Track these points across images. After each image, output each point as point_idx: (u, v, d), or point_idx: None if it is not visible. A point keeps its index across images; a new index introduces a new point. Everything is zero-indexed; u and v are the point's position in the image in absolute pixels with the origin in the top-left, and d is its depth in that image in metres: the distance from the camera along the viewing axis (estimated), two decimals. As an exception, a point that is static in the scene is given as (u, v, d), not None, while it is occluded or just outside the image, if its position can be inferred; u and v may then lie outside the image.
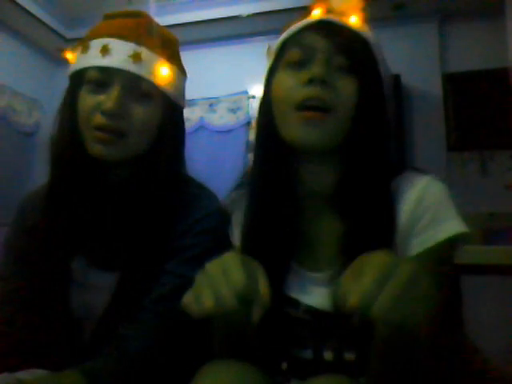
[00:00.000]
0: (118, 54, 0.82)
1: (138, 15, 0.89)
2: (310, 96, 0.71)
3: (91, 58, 0.83)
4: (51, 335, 0.87)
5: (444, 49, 3.04)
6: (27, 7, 3.00)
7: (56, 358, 0.84)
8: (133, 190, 0.86)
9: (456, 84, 2.98)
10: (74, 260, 0.89)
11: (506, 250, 1.41)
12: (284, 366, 0.78)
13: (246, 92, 3.28)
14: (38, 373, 0.80)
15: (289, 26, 0.80)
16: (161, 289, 0.82)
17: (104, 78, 0.82)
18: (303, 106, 0.71)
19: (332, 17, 0.76)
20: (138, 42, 0.84)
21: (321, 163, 0.77)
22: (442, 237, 0.69)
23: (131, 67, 0.82)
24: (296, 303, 0.76)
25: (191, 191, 0.90)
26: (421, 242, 0.70)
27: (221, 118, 3.34)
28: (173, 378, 0.80)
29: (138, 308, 0.82)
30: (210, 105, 3.35)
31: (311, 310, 0.75)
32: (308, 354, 0.77)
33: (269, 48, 0.82)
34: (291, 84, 0.73)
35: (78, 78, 0.85)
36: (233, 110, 3.31)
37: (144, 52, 0.83)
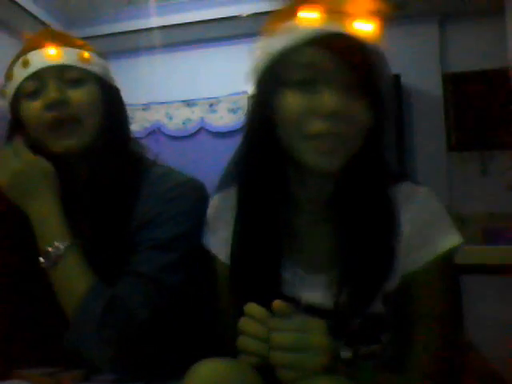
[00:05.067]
0: (37, 58, 0.91)
1: (41, 31, 1.02)
2: (322, 132, 0.68)
3: (17, 77, 0.91)
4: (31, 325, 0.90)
5: (444, 49, 3.04)
6: (27, 7, 3.00)
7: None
8: (96, 177, 0.91)
9: (456, 84, 2.98)
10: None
11: (506, 250, 1.41)
12: None
13: (246, 92, 3.28)
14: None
15: (284, 24, 0.70)
16: (135, 256, 0.86)
17: (37, 83, 0.90)
18: (315, 139, 0.69)
19: (335, 23, 0.67)
20: (51, 44, 0.92)
21: (321, 175, 0.75)
22: (444, 247, 0.73)
23: (52, 61, 0.90)
24: (296, 302, 0.76)
25: (160, 170, 0.95)
26: (425, 254, 0.74)
27: (221, 119, 3.34)
28: (168, 350, 0.83)
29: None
30: (210, 105, 3.35)
31: (311, 308, 0.76)
32: None
33: (257, 52, 0.75)
34: (300, 111, 0.68)
35: (15, 102, 0.92)
36: (233, 111, 3.31)
37: (59, 48, 0.92)
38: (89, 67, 0.94)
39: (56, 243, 0.82)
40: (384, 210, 0.74)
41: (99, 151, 0.92)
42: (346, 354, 0.75)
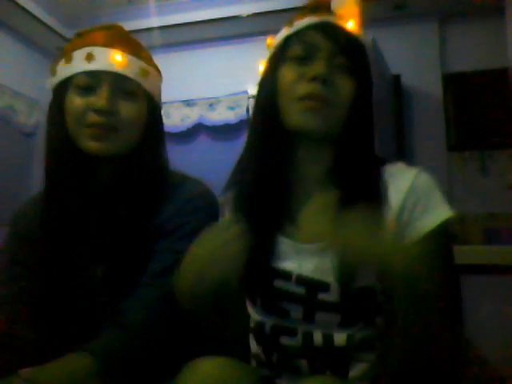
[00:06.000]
0: (103, 58, 0.90)
1: (112, 27, 0.98)
2: (312, 92, 0.78)
3: (76, 65, 0.90)
4: (51, 331, 0.90)
5: (444, 49, 3.04)
6: (27, 7, 3.00)
7: (56, 352, 0.85)
8: (121, 184, 0.91)
9: (456, 84, 2.98)
10: (71, 258, 0.92)
11: (506, 250, 1.42)
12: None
13: (246, 92, 3.28)
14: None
15: (291, 21, 0.86)
16: (156, 265, 0.86)
17: (92, 81, 0.89)
18: (305, 100, 0.78)
19: (333, 19, 0.82)
20: (119, 48, 0.92)
21: (317, 149, 0.84)
22: (435, 222, 0.76)
23: (114, 68, 0.90)
24: (287, 274, 0.78)
25: (177, 178, 0.96)
26: (417, 229, 0.76)
27: (219, 115, 3.33)
28: (173, 352, 0.82)
29: (126, 296, 0.84)
30: (210, 105, 3.35)
31: (303, 279, 0.77)
32: (297, 340, 0.78)
33: (271, 40, 0.88)
34: (295, 78, 0.80)
35: (64, 86, 0.92)
36: (232, 109, 3.31)
37: (125, 56, 0.91)
38: (145, 83, 0.94)
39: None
40: (373, 182, 0.80)
41: (128, 160, 0.92)
42: (339, 340, 0.75)
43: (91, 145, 0.88)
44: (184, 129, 3.35)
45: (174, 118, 3.33)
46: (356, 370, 0.76)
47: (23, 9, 2.98)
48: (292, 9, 2.83)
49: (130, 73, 0.91)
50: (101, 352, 0.77)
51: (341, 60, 0.80)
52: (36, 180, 3.25)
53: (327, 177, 0.83)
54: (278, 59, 0.84)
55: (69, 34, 3.33)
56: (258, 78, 0.89)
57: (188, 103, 3.36)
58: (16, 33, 3.23)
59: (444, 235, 0.78)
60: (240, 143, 0.91)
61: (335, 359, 0.76)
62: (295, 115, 0.79)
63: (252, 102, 3.27)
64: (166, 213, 0.89)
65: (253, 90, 3.27)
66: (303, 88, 0.78)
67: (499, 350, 1.52)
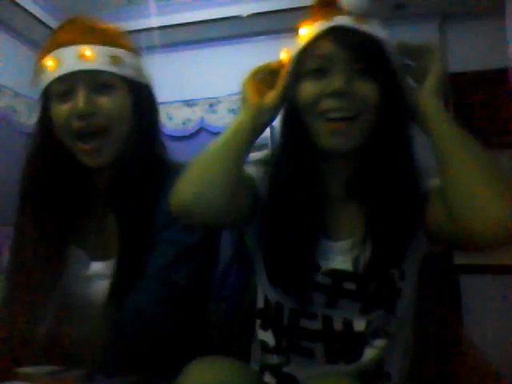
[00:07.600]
0: (68, 59, 0.87)
1: (74, 20, 0.98)
2: (333, 107, 0.76)
3: (49, 73, 0.88)
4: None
5: (444, 49, 3.04)
6: (27, 7, 3.00)
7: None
8: (121, 181, 0.90)
9: (456, 84, 2.98)
10: (69, 255, 0.93)
11: (506, 250, 1.41)
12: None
13: (246, 92, 3.28)
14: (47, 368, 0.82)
15: (304, 33, 0.82)
16: (160, 258, 0.86)
17: (67, 85, 0.87)
18: (327, 117, 0.77)
19: (344, 19, 0.79)
20: (81, 42, 0.88)
21: (344, 157, 0.83)
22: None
23: (83, 66, 0.86)
24: (316, 266, 0.80)
25: (176, 168, 0.94)
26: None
27: (221, 119, 3.34)
28: (175, 352, 0.81)
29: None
30: (210, 105, 3.35)
31: (331, 272, 0.79)
32: (317, 324, 0.79)
33: (285, 53, 0.84)
34: (314, 93, 0.78)
35: (46, 94, 0.91)
36: (233, 111, 3.31)
37: (89, 48, 0.87)
38: (121, 71, 0.90)
39: None
40: (405, 185, 0.79)
41: (127, 156, 0.91)
42: (359, 325, 0.76)
43: (85, 159, 0.88)
44: (187, 133, 3.35)
45: (175, 121, 3.33)
46: (366, 356, 0.78)
47: (23, 9, 2.98)
48: (292, 9, 2.83)
49: (101, 66, 0.87)
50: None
51: (358, 65, 0.77)
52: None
53: (355, 178, 0.83)
54: (296, 74, 0.82)
55: (69, 34, 3.33)
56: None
57: (188, 103, 3.36)
58: (16, 33, 3.23)
59: None
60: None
61: (351, 344, 0.78)
62: (322, 137, 0.78)
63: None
64: (166, 204, 0.90)
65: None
66: (323, 104, 0.77)
67: (499, 349, 1.52)
